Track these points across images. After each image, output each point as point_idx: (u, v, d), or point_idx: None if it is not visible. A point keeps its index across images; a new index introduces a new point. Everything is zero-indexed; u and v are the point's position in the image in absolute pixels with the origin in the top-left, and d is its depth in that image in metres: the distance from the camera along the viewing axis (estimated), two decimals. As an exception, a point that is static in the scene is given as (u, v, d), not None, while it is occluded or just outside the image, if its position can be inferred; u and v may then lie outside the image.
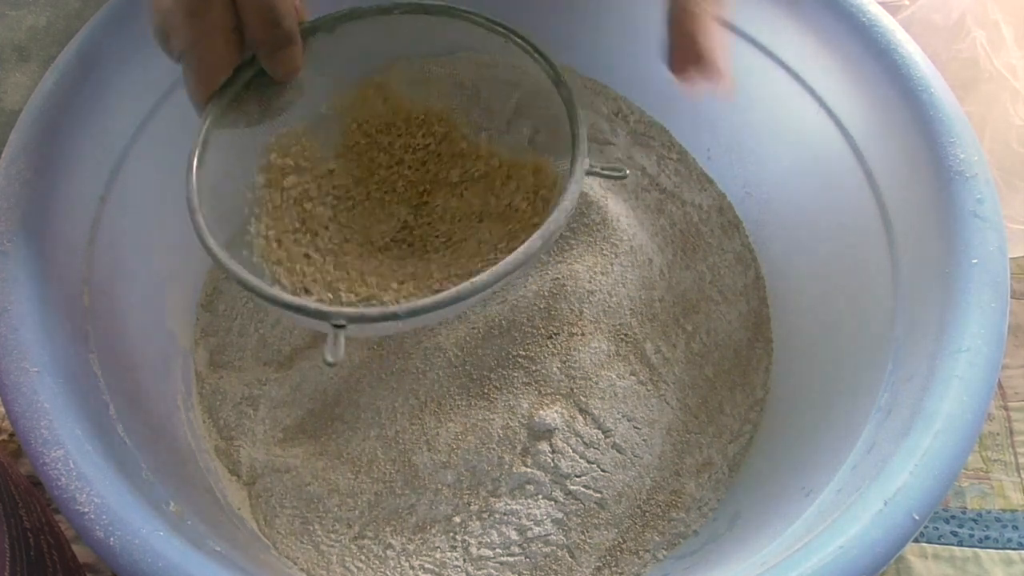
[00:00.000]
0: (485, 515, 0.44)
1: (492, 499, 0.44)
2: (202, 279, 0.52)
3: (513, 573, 0.43)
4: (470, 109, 0.44)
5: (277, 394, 0.48)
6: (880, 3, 0.46)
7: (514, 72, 0.40)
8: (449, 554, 0.44)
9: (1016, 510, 0.54)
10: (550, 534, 0.44)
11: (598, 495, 0.44)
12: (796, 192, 0.53)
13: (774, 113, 0.52)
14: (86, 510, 0.32)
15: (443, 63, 0.45)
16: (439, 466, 0.45)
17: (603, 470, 0.45)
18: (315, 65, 0.39)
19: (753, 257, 0.54)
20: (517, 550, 0.44)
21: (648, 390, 0.47)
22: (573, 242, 0.49)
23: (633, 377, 0.47)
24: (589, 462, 0.45)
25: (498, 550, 0.44)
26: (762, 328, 0.52)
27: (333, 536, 0.44)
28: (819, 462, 0.41)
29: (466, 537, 0.44)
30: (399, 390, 0.46)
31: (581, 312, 0.46)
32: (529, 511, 0.44)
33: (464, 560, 0.44)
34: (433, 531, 0.44)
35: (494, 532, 0.44)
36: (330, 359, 0.32)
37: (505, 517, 0.44)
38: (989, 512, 0.54)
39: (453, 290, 0.33)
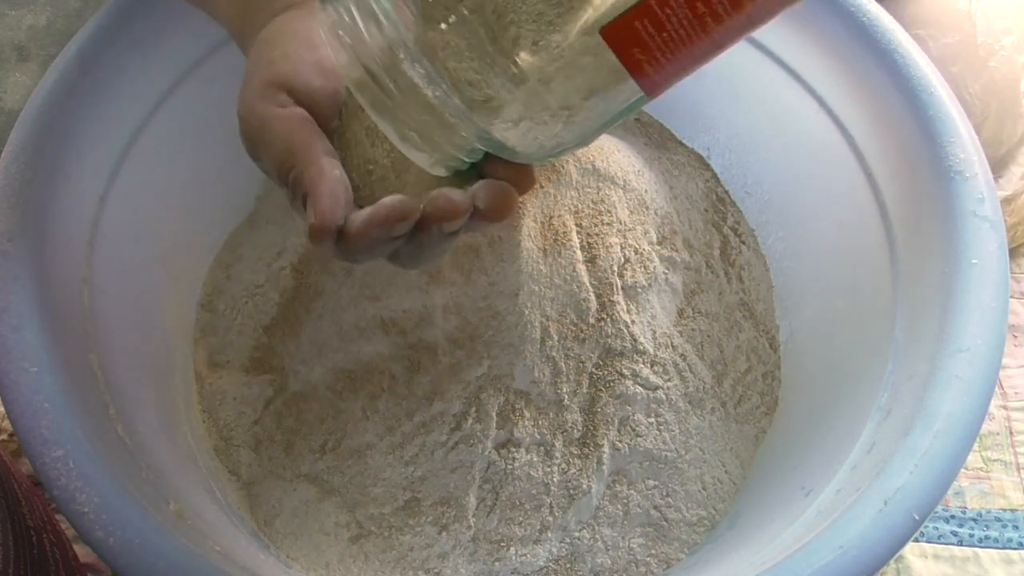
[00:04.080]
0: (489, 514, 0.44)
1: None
2: (202, 279, 0.52)
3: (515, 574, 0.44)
4: None
5: (277, 394, 0.48)
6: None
7: None
8: (450, 555, 0.44)
9: (1016, 510, 0.54)
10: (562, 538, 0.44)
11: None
12: (796, 192, 0.53)
13: (774, 113, 0.52)
14: (86, 510, 0.32)
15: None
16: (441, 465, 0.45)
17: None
18: None
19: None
20: (522, 549, 0.44)
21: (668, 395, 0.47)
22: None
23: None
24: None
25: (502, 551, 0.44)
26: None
27: (332, 536, 0.44)
28: (819, 462, 0.41)
29: (467, 537, 0.44)
30: (403, 390, 0.46)
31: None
32: (529, 519, 0.44)
33: (465, 560, 0.44)
34: (434, 531, 0.44)
35: (502, 529, 0.44)
36: None
37: (508, 515, 0.44)
38: (989, 512, 0.54)
39: None
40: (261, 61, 0.32)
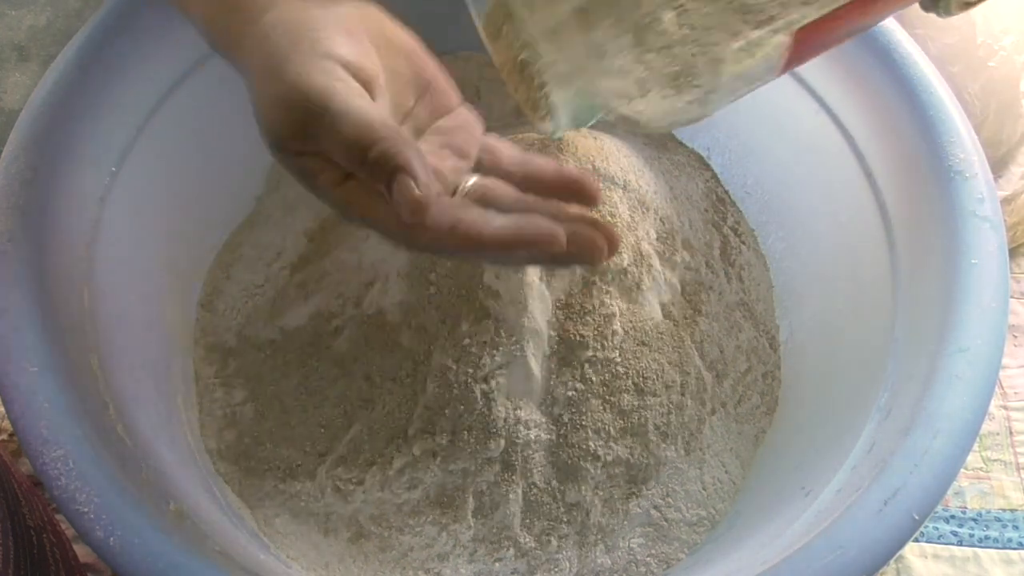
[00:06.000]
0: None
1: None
2: (202, 278, 0.52)
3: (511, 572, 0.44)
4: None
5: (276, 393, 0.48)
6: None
7: None
8: (450, 555, 0.44)
9: (1016, 510, 0.54)
10: (564, 538, 0.44)
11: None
12: (796, 192, 0.53)
13: (774, 113, 0.52)
14: (86, 510, 0.32)
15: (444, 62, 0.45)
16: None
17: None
18: None
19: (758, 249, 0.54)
20: (515, 551, 0.44)
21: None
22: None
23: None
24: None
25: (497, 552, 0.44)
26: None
27: (332, 536, 0.44)
28: (819, 462, 0.41)
29: (466, 537, 0.44)
30: (406, 391, 0.46)
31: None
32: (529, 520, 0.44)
33: (465, 560, 0.44)
34: (434, 531, 0.44)
35: (496, 530, 0.44)
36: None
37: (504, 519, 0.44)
38: (989, 512, 0.54)
39: None
40: (301, 39, 0.29)
